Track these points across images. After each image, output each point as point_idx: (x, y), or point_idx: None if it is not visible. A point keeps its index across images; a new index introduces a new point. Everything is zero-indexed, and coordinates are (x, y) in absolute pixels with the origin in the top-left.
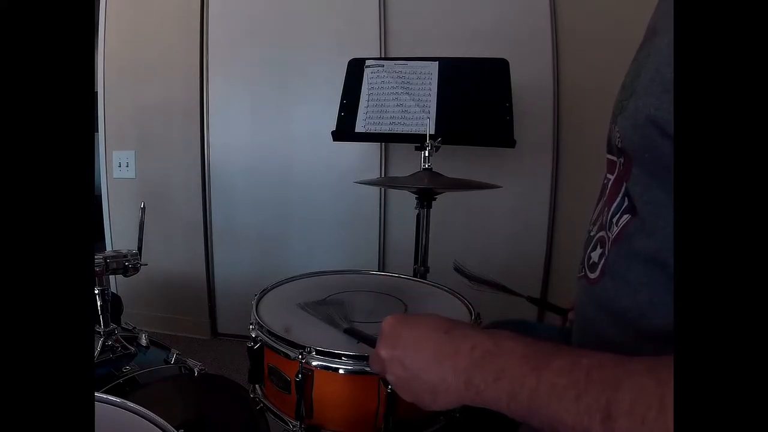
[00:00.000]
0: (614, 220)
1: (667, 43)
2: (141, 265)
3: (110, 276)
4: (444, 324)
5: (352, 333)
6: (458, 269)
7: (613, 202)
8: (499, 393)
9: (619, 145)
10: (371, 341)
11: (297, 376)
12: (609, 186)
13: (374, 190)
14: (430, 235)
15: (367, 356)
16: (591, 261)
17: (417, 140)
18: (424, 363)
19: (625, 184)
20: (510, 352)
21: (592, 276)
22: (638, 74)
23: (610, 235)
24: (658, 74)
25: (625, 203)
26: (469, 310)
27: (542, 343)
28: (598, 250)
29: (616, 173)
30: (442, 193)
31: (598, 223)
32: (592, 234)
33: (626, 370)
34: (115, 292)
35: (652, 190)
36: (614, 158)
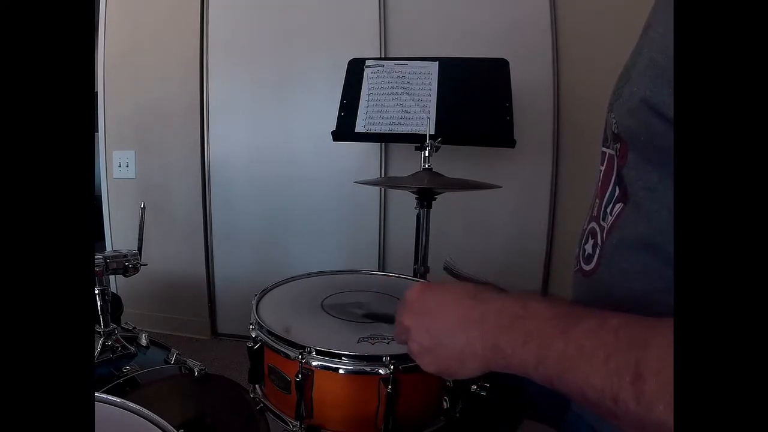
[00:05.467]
0: (608, 209)
1: (661, 33)
2: (141, 265)
3: (110, 276)
4: (470, 290)
5: (371, 316)
6: (448, 269)
7: (605, 193)
8: (527, 357)
9: (616, 131)
10: (390, 318)
11: (297, 376)
12: (601, 177)
13: (374, 190)
14: (430, 235)
15: (368, 356)
16: (586, 253)
17: (417, 140)
18: (450, 329)
19: (616, 172)
20: (538, 314)
21: (587, 268)
22: (633, 64)
23: (605, 225)
24: (653, 61)
25: (617, 192)
26: None
27: (570, 305)
28: (591, 241)
29: (606, 164)
30: (442, 193)
31: (589, 215)
32: (584, 227)
33: (655, 327)
34: (115, 292)
35: (647, 174)
36: (608, 150)
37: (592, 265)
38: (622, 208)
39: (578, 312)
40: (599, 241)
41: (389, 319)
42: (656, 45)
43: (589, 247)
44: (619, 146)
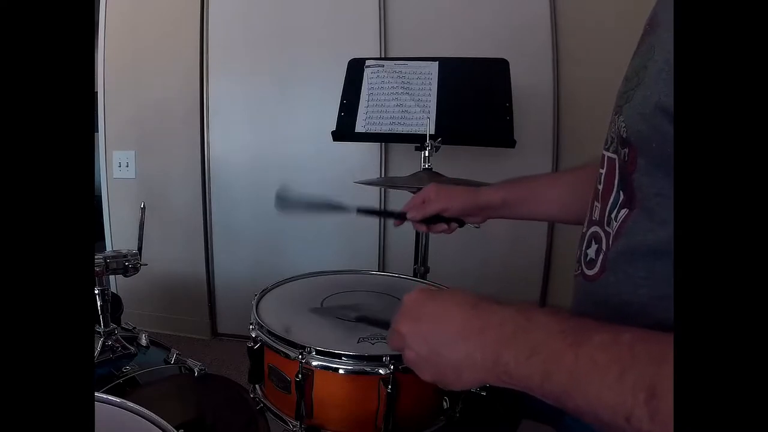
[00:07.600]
0: (612, 215)
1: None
2: (141, 265)
3: (110, 276)
4: (471, 299)
5: (364, 320)
6: (281, 197)
7: (609, 198)
8: (532, 371)
9: (624, 135)
10: (385, 324)
11: (297, 376)
12: (602, 180)
13: (374, 190)
14: (430, 236)
15: (368, 356)
16: (588, 258)
17: (417, 140)
18: (449, 339)
19: (619, 177)
20: (544, 327)
21: (589, 272)
22: (644, 66)
23: (610, 231)
24: (667, 64)
25: (621, 197)
26: None
27: (579, 318)
28: (594, 246)
29: (607, 167)
30: None
31: (589, 219)
32: (584, 231)
33: (670, 343)
34: (115, 292)
35: (658, 180)
36: (609, 153)
37: (596, 270)
38: (628, 214)
39: (589, 325)
40: (603, 247)
41: (383, 325)
42: (670, 46)
43: (591, 252)
44: (627, 151)
